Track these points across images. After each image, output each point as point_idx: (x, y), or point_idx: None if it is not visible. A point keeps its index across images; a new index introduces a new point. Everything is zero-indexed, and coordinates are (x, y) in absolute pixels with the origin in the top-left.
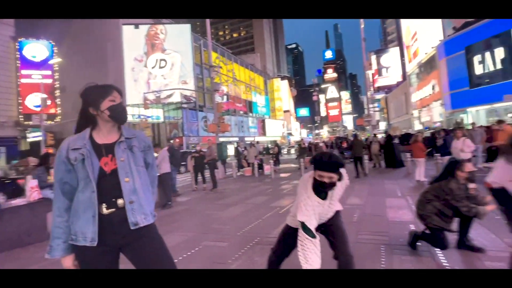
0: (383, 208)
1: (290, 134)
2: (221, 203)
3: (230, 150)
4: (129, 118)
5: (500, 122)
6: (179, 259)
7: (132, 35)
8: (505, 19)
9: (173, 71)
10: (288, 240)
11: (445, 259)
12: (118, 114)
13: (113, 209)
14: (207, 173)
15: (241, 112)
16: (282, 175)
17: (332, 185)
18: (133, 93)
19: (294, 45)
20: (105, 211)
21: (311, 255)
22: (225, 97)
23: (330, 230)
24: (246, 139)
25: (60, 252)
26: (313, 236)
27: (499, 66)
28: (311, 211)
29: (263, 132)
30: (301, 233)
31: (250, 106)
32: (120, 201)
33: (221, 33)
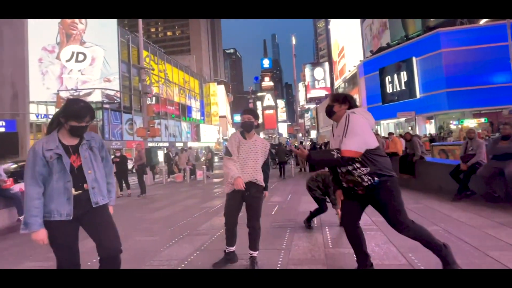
0: (297, 203)
1: (225, 140)
2: (150, 206)
3: (160, 156)
4: (33, 118)
5: (390, 134)
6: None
7: (41, 20)
8: (410, 46)
9: (94, 67)
10: (231, 205)
11: (329, 233)
12: (74, 133)
13: (80, 191)
14: (132, 179)
15: (174, 115)
16: (215, 180)
17: (251, 124)
18: (39, 88)
19: (232, 50)
20: (74, 192)
21: (231, 166)
22: (154, 98)
23: (248, 203)
24: (177, 144)
25: (37, 227)
26: (231, 155)
27: (403, 87)
28: (235, 144)
29: (197, 137)
30: (224, 157)
31: (183, 110)
32: (85, 186)
33: (153, 29)
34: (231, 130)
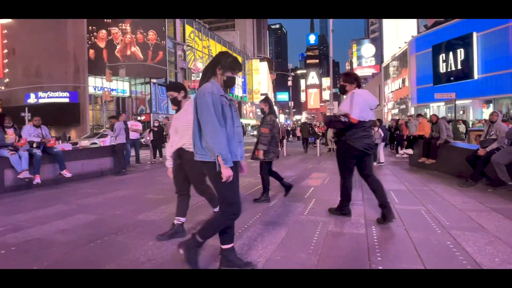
0: (304, 179)
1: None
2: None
3: None
4: (91, 90)
5: (418, 115)
6: (121, 209)
7: None
8: (471, 20)
9: (143, 43)
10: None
11: (312, 204)
12: (228, 83)
13: None
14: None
15: None
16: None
17: (173, 99)
18: (96, 62)
19: (277, 26)
20: None
21: None
22: (200, 74)
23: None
24: None
25: (231, 162)
26: None
27: (459, 66)
28: None
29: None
30: None
31: None
32: None
33: None
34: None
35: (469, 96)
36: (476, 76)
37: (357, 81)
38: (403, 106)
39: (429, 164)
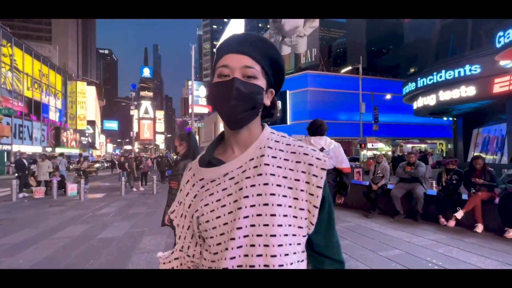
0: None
1: (93, 147)
2: (8, 242)
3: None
4: None
5: None
6: None
7: None
8: (287, 81)
9: None
10: None
11: None
12: None
13: None
14: None
15: (11, 111)
16: (94, 196)
17: (254, 97)
18: None
19: (107, 51)
20: None
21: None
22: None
23: None
24: (26, 149)
25: None
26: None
27: (278, 114)
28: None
29: (55, 142)
30: None
31: (37, 108)
32: None
33: None
34: (101, 138)
35: None
36: (289, 122)
37: (310, 129)
38: None
39: None
